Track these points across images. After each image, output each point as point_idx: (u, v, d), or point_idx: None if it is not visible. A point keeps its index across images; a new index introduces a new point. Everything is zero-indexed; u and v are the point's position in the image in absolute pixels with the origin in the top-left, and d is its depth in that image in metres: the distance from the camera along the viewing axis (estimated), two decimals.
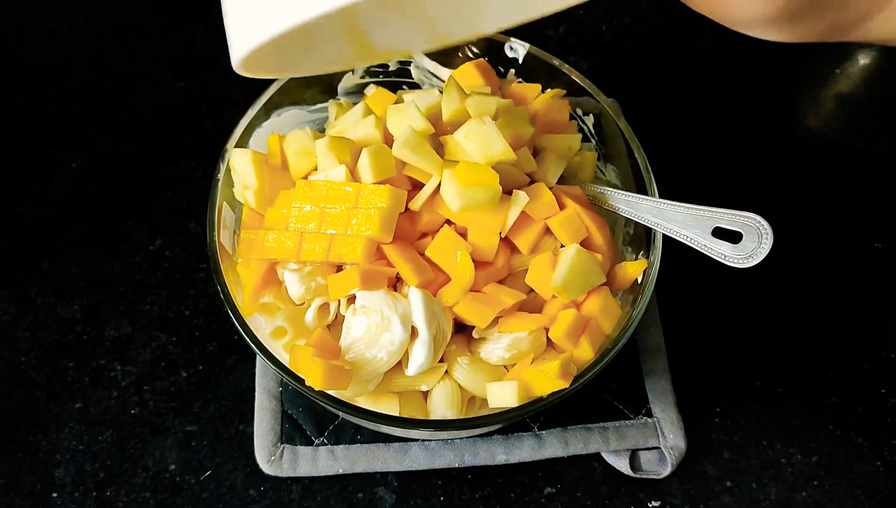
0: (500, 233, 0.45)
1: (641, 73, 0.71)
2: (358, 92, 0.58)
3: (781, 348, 0.58)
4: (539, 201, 0.46)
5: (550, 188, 0.47)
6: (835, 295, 0.60)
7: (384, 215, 0.43)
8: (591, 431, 0.52)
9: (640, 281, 0.47)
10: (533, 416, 0.52)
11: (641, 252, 0.49)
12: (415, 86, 0.59)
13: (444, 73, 0.57)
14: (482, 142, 0.45)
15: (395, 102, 0.51)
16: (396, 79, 0.58)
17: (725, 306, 0.59)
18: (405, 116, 0.47)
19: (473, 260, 0.44)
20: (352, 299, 0.44)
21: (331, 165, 0.46)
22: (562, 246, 0.47)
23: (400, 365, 0.44)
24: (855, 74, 0.72)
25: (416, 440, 0.51)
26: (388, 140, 0.48)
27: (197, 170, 0.63)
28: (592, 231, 0.48)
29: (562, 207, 0.47)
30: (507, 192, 0.46)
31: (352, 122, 0.50)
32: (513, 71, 0.56)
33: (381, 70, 0.57)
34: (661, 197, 0.48)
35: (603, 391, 0.53)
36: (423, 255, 0.45)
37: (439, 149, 0.47)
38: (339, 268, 0.46)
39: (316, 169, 0.48)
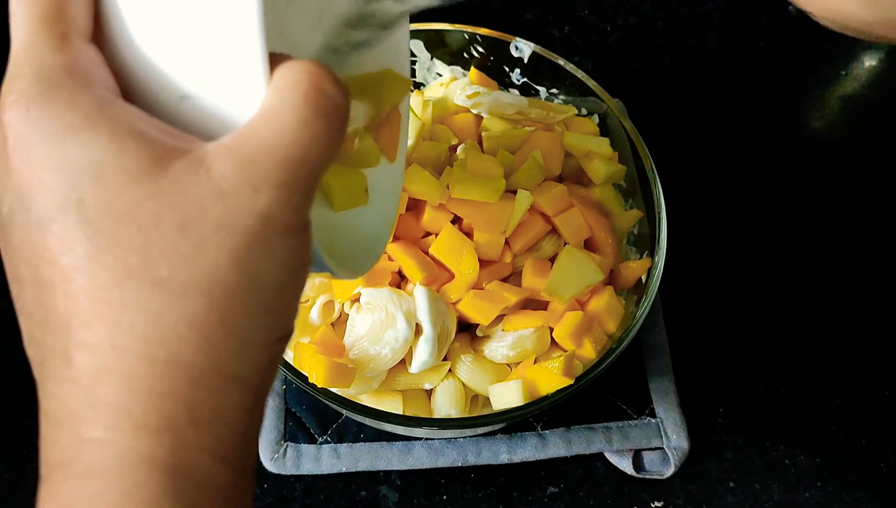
0: (505, 232, 0.45)
1: (646, 73, 0.71)
2: None
3: (785, 349, 0.57)
4: (548, 193, 0.46)
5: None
6: (839, 297, 0.60)
7: None
8: (595, 431, 0.52)
9: (644, 281, 0.47)
10: (536, 416, 0.52)
11: (646, 252, 0.49)
12: (419, 85, 0.59)
13: (447, 71, 0.57)
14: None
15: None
16: None
17: (729, 307, 0.59)
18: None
19: (478, 259, 0.44)
20: (356, 297, 0.44)
21: None
22: (565, 244, 0.47)
23: (404, 364, 0.44)
24: (860, 75, 0.72)
25: (420, 438, 0.51)
26: None
27: None
28: (596, 231, 0.48)
29: (568, 206, 0.47)
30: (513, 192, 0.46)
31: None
32: (518, 71, 0.56)
33: None
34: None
35: (606, 392, 0.53)
36: (426, 253, 0.45)
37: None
38: None
39: None
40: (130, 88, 0.23)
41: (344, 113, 0.22)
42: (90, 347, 0.20)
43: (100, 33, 0.23)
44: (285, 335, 0.23)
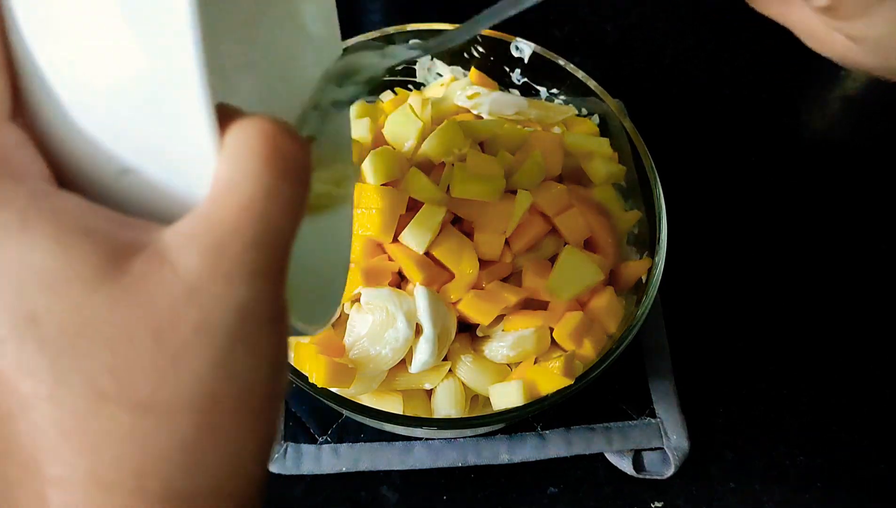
0: (505, 232, 0.45)
1: (647, 73, 0.71)
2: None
3: (786, 349, 0.57)
4: (548, 193, 0.46)
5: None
6: (840, 297, 0.60)
7: (385, 215, 0.43)
8: (595, 431, 0.52)
9: (644, 281, 0.47)
10: (536, 416, 0.52)
11: (646, 252, 0.49)
12: (419, 85, 0.59)
13: (447, 71, 0.57)
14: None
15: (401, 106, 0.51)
16: (402, 78, 0.58)
17: (729, 307, 0.59)
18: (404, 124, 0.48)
19: (478, 259, 0.44)
20: (356, 297, 0.44)
21: None
22: (565, 244, 0.47)
23: (404, 364, 0.44)
24: (861, 75, 0.72)
25: (420, 438, 0.51)
26: (379, 143, 0.48)
27: None
28: (596, 231, 0.48)
29: (568, 206, 0.47)
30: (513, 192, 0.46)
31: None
32: (518, 71, 0.56)
33: None
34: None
35: (606, 392, 0.53)
36: (427, 253, 0.45)
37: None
38: None
39: None
40: (63, 167, 0.20)
41: (308, 171, 0.20)
42: (68, 484, 0.17)
43: (21, 108, 0.20)
44: (273, 439, 0.21)
